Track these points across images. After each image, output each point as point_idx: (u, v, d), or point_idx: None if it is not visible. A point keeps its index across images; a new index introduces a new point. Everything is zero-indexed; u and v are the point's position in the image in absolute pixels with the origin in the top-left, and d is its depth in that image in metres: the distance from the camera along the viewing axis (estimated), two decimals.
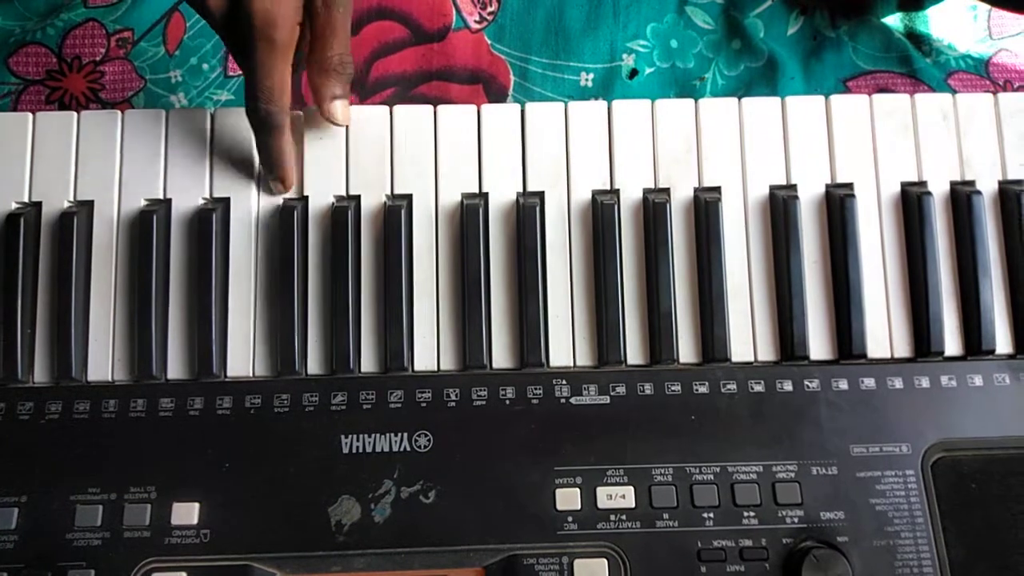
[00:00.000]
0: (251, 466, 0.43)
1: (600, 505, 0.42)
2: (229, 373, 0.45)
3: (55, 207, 0.47)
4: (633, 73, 0.61)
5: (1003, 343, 0.46)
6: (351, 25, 0.45)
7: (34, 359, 0.45)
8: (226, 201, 0.47)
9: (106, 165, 0.47)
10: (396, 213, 0.46)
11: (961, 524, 0.42)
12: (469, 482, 0.42)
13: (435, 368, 0.45)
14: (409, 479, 0.43)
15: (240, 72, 0.60)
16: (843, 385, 0.44)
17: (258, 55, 0.42)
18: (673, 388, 0.44)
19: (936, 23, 0.62)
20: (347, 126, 0.47)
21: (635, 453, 0.43)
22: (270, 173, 0.46)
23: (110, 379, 0.45)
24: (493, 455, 0.43)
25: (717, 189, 0.47)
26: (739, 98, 0.48)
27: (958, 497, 0.42)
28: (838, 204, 0.46)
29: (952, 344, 0.46)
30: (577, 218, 0.47)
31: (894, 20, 0.62)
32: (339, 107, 0.45)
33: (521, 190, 0.47)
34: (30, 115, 0.47)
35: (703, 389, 0.44)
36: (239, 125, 0.47)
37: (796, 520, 0.42)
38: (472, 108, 0.48)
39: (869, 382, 0.45)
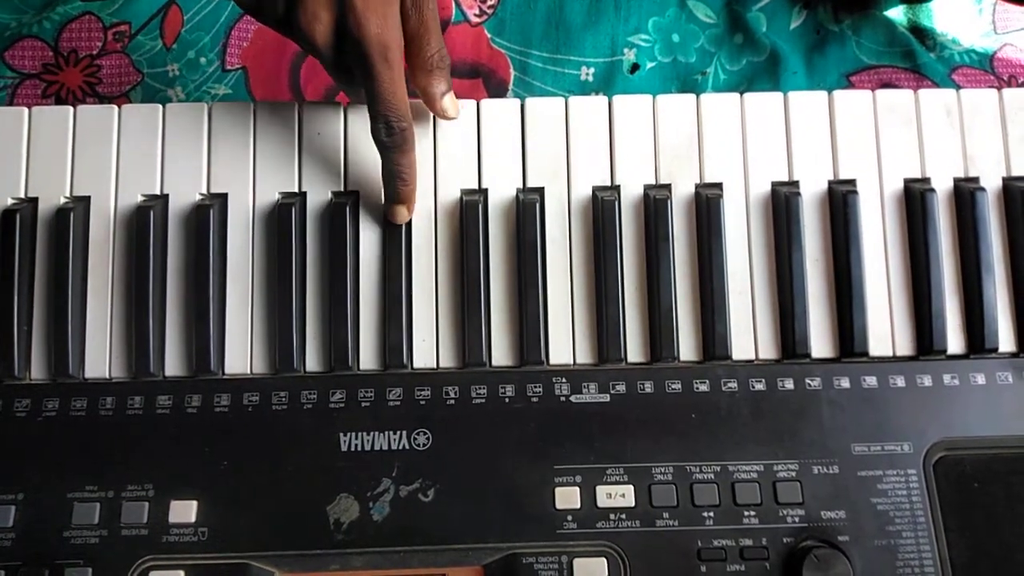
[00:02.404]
0: (249, 464, 0.43)
1: (600, 504, 0.42)
2: (227, 370, 0.45)
3: (51, 203, 0.46)
4: (634, 68, 0.60)
5: (1006, 341, 0.45)
6: None
7: (31, 356, 0.45)
8: (223, 197, 0.47)
9: (102, 160, 0.47)
10: None
11: (963, 524, 0.42)
12: (468, 481, 0.42)
13: (434, 366, 0.45)
14: (408, 477, 0.42)
15: (238, 65, 0.60)
16: (845, 383, 0.44)
17: (381, 77, 0.42)
18: (673, 386, 0.44)
19: (940, 17, 0.61)
20: (347, 121, 0.46)
21: (635, 452, 0.43)
22: (395, 195, 0.45)
23: (107, 376, 0.45)
24: (492, 453, 0.43)
25: (719, 185, 0.47)
26: (741, 93, 0.48)
27: (960, 496, 0.42)
28: (840, 200, 0.46)
29: (955, 342, 0.45)
30: (577, 214, 0.47)
31: (897, 14, 0.61)
32: (449, 102, 0.45)
33: (521, 186, 0.47)
34: (26, 109, 0.47)
35: (704, 387, 0.44)
36: (237, 120, 0.47)
37: (797, 519, 0.42)
38: (471, 103, 0.48)
39: (871, 380, 0.44)
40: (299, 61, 0.60)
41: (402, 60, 0.43)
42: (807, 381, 0.44)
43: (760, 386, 0.44)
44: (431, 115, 0.47)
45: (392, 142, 0.43)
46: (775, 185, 0.47)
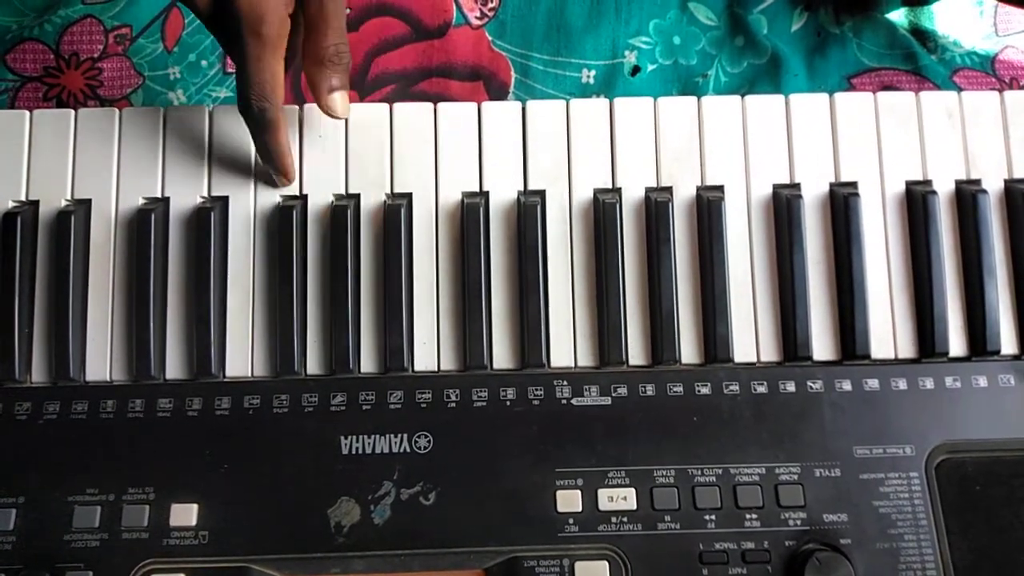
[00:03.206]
0: (250, 467, 0.43)
1: (601, 507, 0.42)
2: (228, 373, 0.45)
3: (52, 206, 0.46)
4: (635, 70, 0.60)
5: (1008, 344, 0.45)
6: (350, 21, 0.44)
7: (32, 359, 0.45)
8: (224, 200, 0.47)
9: (104, 163, 0.47)
10: (396, 212, 0.46)
11: (965, 527, 0.42)
12: (469, 484, 0.42)
13: (435, 368, 0.45)
14: (409, 480, 0.42)
15: None
16: (846, 386, 0.44)
17: (248, 50, 0.41)
18: (675, 389, 0.44)
19: (941, 19, 0.61)
20: (346, 119, 0.46)
21: (636, 454, 0.43)
22: (270, 168, 0.46)
23: (108, 379, 0.45)
24: (493, 456, 0.43)
25: (720, 188, 0.47)
26: (742, 95, 0.48)
27: (962, 499, 0.42)
28: (842, 203, 0.46)
29: (957, 345, 0.45)
30: (578, 217, 0.47)
31: (899, 16, 0.61)
32: (338, 99, 0.44)
33: (522, 189, 0.47)
34: (27, 113, 0.47)
35: (705, 390, 0.44)
36: (238, 123, 0.47)
37: (799, 522, 0.42)
38: (472, 106, 0.48)
39: (873, 383, 0.44)
40: (300, 64, 0.60)
41: (282, 40, 0.42)
42: (809, 384, 0.44)
43: (762, 388, 0.44)
44: (432, 116, 0.47)
45: (250, 119, 0.43)
46: (776, 187, 0.47)
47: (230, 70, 0.60)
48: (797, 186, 0.47)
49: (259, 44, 0.41)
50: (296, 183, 0.47)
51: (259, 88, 0.42)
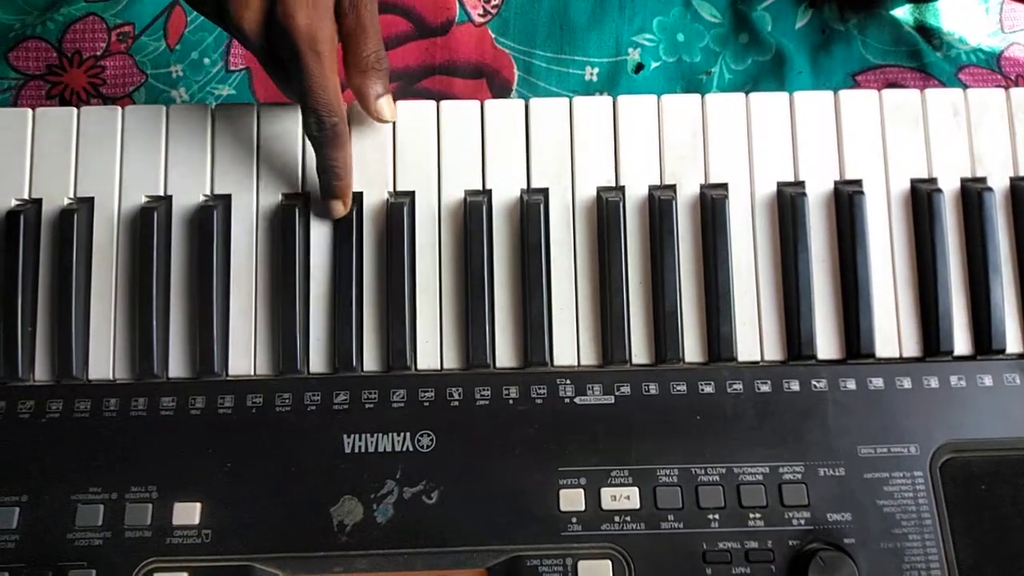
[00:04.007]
0: (253, 466, 0.43)
1: (604, 506, 0.42)
2: (231, 372, 0.45)
3: (55, 204, 0.46)
4: (639, 67, 0.60)
5: (1013, 342, 0.45)
6: None
7: (35, 357, 0.45)
8: (227, 198, 0.47)
9: (106, 161, 0.47)
10: (399, 210, 0.46)
11: (970, 526, 0.42)
12: (472, 482, 0.42)
13: (438, 367, 0.45)
14: (412, 479, 0.42)
15: (242, 66, 0.60)
16: (851, 385, 0.44)
17: (311, 70, 0.41)
18: (678, 388, 0.44)
19: (947, 16, 0.61)
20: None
21: (640, 454, 0.43)
22: (331, 190, 0.45)
23: (111, 378, 0.45)
24: (496, 455, 0.43)
25: (724, 186, 0.47)
26: (746, 93, 0.48)
27: (967, 499, 0.42)
28: (847, 201, 0.46)
29: (961, 343, 0.45)
30: (582, 215, 0.46)
31: (904, 13, 0.61)
32: (385, 104, 0.45)
33: (525, 187, 0.47)
34: (30, 111, 0.47)
35: (709, 389, 0.44)
36: (240, 120, 0.47)
37: (803, 522, 0.42)
38: (475, 104, 0.47)
39: (877, 382, 0.44)
40: None
41: (335, 54, 0.43)
42: (813, 382, 0.44)
43: (766, 387, 0.44)
44: (435, 114, 0.47)
45: (323, 137, 0.43)
46: (781, 185, 0.47)
47: (233, 68, 0.60)
48: (801, 184, 0.47)
49: (319, 62, 0.41)
50: (299, 181, 0.47)
51: (328, 105, 0.42)
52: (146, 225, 0.46)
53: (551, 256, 0.46)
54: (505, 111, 0.47)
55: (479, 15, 0.61)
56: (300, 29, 0.41)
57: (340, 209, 0.45)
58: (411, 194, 0.47)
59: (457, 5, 0.61)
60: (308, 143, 0.47)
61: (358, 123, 0.47)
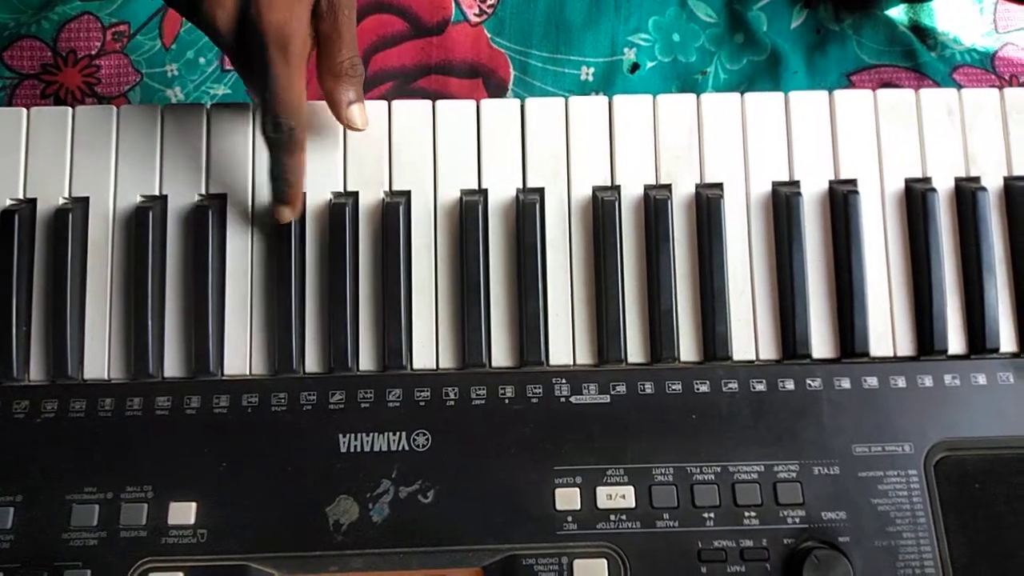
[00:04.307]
0: (248, 465, 0.43)
1: (600, 505, 0.42)
2: (226, 371, 0.45)
3: (50, 203, 0.46)
4: (634, 67, 0.60)
5: (1007, 341, 0.45)
6: None
7: (30, 357, 0.45)
8: (223, 197, 0.47)
9: (101, 161, 0.47)
10: (394, 210, 0.46)
11: (964, 525, 0.42)
12: (468, 482, 0.42)
13: (434, 367, 0.45)
14: (407, 479, 0.42)
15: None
16: (845, 384, 0.44)
17: (275, 70, 0.41)
18: (674, 387, 0.44)
19: (941, 16, 0.61)
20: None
21: (635, 453, 0.43)
22: (281, 195, 0.44)
23: (106, 377, 0.45)
24: (492, 455, 0.43)
25: (719, 185, 0.47)
26: (742, 93, 0.48)
27: (961, 497, 0.42)
28: (841, 200, 0.46)
29: (956, 342, 0.45)
30: (577, 215, 0.47)
31: (898, 13, 0.61)
32: (356, 111, 0.45)
33: (521, 186, 0.47)
34: (24, 110, 0.47)
35: (704, 388, 0.44)
36: (235, 121, 0.47)
37: (797, 520, 0.42)
38: (471, 103, 0.47)
39: (872, 381, 0.44)
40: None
41: (304, 57, 0.42)
42: (808, 381, 0.44)
43: (761, 387, 0.44)
44: (430, 113, 0.47)
45: (277, 140, 0.43)
46: (776, 185, 0.47)
47: (228, 67, 0.60)
48: (796, 184, 0.47)
49: (285, 63, 0.41)
50: None
51: (287, 108, 0.42)
52: (141, 225, 0.45)
53: (547, 255, 0.46)
54: (501, 111, 0.47)
55: (475, 15, 0.61)
56: (271, 29, 0.40)
57: (287, 215, 0.45)
58: (407, 194, 0.47)
59: (453, 4, 0.61)
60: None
61: None
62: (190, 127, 0.47)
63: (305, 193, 0.46)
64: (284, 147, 0.43)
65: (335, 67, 0.43)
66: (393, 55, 0.60)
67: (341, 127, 0.47)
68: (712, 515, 0.42)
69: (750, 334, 0.45)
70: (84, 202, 0.46)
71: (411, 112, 0.47)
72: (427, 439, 0.43)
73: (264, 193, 0.47)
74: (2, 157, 0.46)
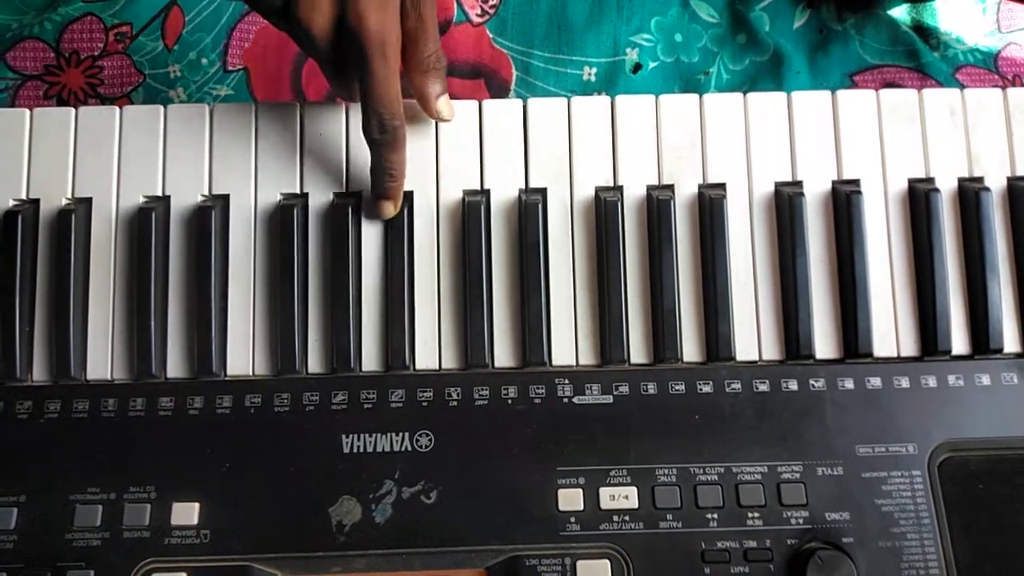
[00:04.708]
0: (251, 466, 0.43)
1: (603, 506, 0.42)
2: (229, 372, 0.45)
3: (53, 204, 0.46)
4: (637, 67, 0.60)
5: (1011, 342, 0.45)
6: None
7: (32, 358, 0.45)
8: (225, 198, 0.46)
9: (104, 162, 0.47)
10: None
11: (968, 525, 0.42)
12: (471, 482, 0.42)
13: (436, 367, 0.45)
14: (410, 479, 0.42)
15: (240, 66, 0.60)
16: (849, 384, 0.44)
17: (377, 72, 0.41)
18: (677, 387, 0.44)
19: (944, 16, 0.61)
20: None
21: (638, 453, 0.43)
22: (383, 191, 0.45)
23: (109, 378, 0.45)
24: (495, 455, 0.43)
25: (722, 185, 0.47)
26: (744, 93, 0.48)
27: (965, 498, 0.42)
28: (844, 201, 0.46)
29: (959, 343, 0.45)
30: (580, 215, 0.46)
31: (901, 13, 0.61)
32: (444, 103, 0.45)
33: (523, 187, 0.47)
34: (27, 111, 0.47)
35: (707, 388, 0.44)
36: (238, 120, 0.47)
37: (801, 521, 0.42)
38: (473, 104, 0.47)
39: (875, 381, 0.44)
40: (301, 62, 0.60)
41: (399, 57, 0.43)
42: (811, 382, 0.44)
43: (764, 387, 0.44)
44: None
45: (384, 139, 0.43)
46: (778, 185, 0.47)
47: (230, 68, 0.60)
48: (799, 184, 0.47)
49: (386, 65, 0.41)
50: (297, 181, 0.47)
51: (390, 108, 0.42)
52: (144, 225, 0.45)
53: (549, 256, 0.46)
54: (503, 111, 0.47)
55: (477, 15, 0.61)
56: (371, 33, 0.41)
57: (391, 210, 0.45)
58: (409, 194, 0.46)
59: (455, 5, 0.61)
60: (306, 143, 0.47)
61: (355, 122, 0.47)
62: (193, 128, 0.47)
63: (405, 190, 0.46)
64: (390, 145, 0.44)
65: (422, 62, 0.44)
66: None
67: (343, 129, 0.47)
68: (715, 516, 0.42)
69: (753, 334, 0.45)
70: (87, 203, 0.46)
71: (413, 112, 0.47)
72: (430, 440, 0.43)
73: (267, 194, 0.47)
74: (5, 158, 0.46)
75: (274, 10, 0.42)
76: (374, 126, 0.43)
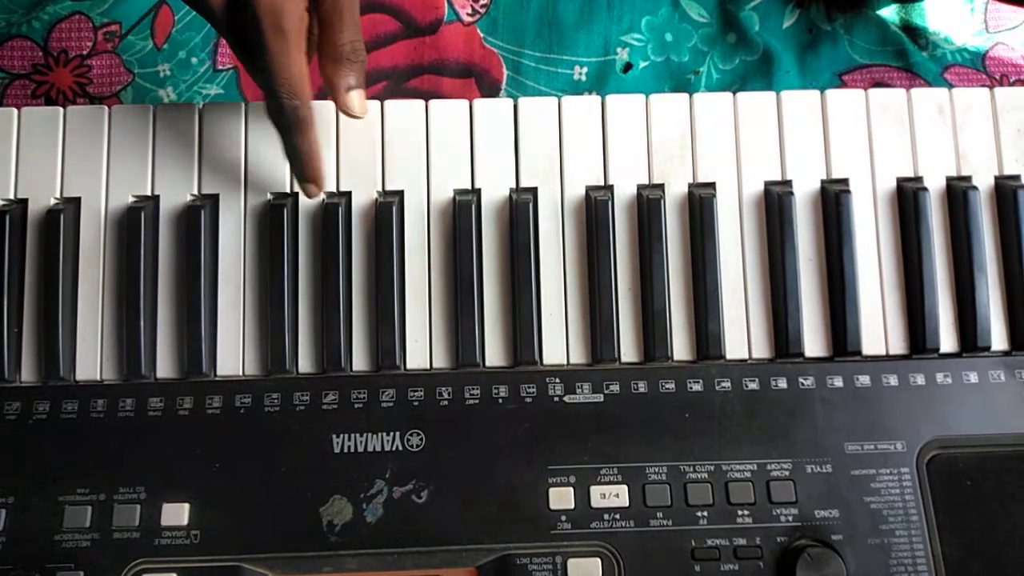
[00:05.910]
0: (241, 466, 0.42)
1: (594, 504, 0.42)
2: (219, 372, 0.45)
3: (41, 204, 0.46)
4: (627, 67, 0.60)
5: (998, 340, 0.45)
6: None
7: (21, 358, 0.45)
8: (215, 197, 0.46)
9: (93, 161, 0.46)
10: (387, 209, 0.46)
11: (956, 522, 0.42)
12: (462, 481, 0.42)
13: (427, 366, 0.45)
14: (401, 479, 0.42)
15: (230, 65, 0.60)
16: (838, 382, 0.44)
17: (271, 47, 0.40)
18: (667, 386, 0.44)
19: (932, 16, 0.61)
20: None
21: (629, 452, 0.43)
22: (301, 174, 0.44)
23: (99, 378, 0.45)
24: (486, 454, 0.43)
25: (712, 185, 0.47)
26: (734, 92, 0.48)
27: (953, 495, 0.42)
28: (833, 200, 0.46)
29: (947, 341, 0.45)
30: (570, 214, 0.47)
31: (890, 13, 0.62)
32: (355, 97, 0.43)
33: (514, 186, 0.47)
34: (15, 110, 0.47)
35: (697, 387, 0.44)
36: (227, 120, 0.47)
37: (790, 518, 0.42)
38: (464, 103, 0.47)
39: (864, 379, 0.44)
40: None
41: (302, 34, 0.41)
42: (800, 380, 0.44)
43: (753, 385, 0.44)
44: (423, 113, 0.47)
45: (285, 121, 0.41)
46: (768, 184, 0.47)
47: (220, 67, 0.60)
48: (789, 183, 0.47)
49: (282, 39, 0.40)
50: (287, 181, 0.47)
51: (288, 85, 0.40)
52: (133, 225, 0.45)
53: (540, 255, 0.46)
54: (494, 110, 0.47)
55: (468, 14, 0.61)
56: (262, 4, 0.39)
57: (313, 191, 0.44)
58: (400, 193, 0.47)
59: (446, 4, 0.61)
60: None
61: (347, 120, 0.47)
62: (182, 127, 0.47)
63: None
64: (293, 128, 0.42)
65: (335, 50, 0.42)
66: (386, 55, 0.60)
67: (332, 128, 0.47)
68: (705, 514, 0.42)
69: (743, 333, 0.45)
70: (76, 202, 0.46)
71: (404, 112, 0.47)
72: (421, 439, 0.43)
73: (257, 193, 0.46)
74: None
75: None
76: (272, 107, 0.41)
